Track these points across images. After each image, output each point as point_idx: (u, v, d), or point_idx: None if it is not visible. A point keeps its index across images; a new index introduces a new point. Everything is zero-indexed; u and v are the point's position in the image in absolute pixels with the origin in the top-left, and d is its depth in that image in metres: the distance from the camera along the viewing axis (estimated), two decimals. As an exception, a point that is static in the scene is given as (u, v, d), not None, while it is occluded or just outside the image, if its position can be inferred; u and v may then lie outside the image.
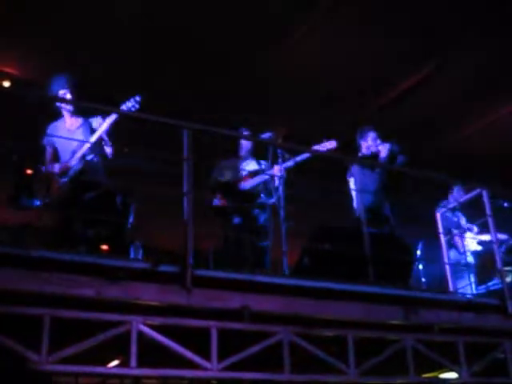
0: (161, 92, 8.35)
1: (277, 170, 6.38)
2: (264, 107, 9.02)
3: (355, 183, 6.95)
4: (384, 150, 7.14)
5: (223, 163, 6.96)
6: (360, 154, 7.32)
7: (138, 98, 5.79)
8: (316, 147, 6.46)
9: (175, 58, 8.38)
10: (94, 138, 5.91)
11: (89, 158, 5.97)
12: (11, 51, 7.97)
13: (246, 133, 6.81)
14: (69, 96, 6.12)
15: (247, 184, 6.68)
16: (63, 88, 6.10)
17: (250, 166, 6.90)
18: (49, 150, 6.20)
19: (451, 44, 8.49)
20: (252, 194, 6.66)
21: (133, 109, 5.75)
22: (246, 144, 6.93)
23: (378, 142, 7.26)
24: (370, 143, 7.29)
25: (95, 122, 6.16)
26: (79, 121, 6.23)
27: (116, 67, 8.32)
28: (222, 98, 8.85)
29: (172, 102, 7.80)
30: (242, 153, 6.98)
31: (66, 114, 6.25)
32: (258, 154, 6.95)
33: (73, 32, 7.76)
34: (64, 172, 5.95)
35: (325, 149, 6.45)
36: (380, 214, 6.92)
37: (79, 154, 5.95)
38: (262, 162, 6.84)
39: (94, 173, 6.02)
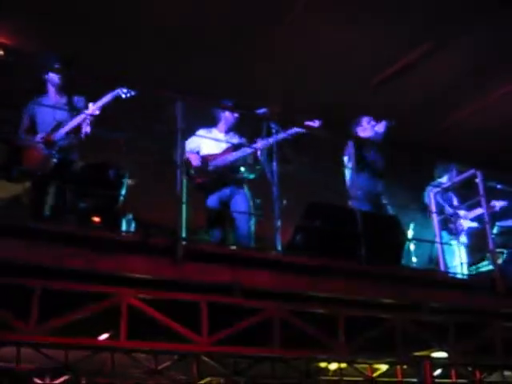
0: (156, 74, 8.31)
1: (260, 144, 6.34)
2: (260, 88, 8.94)
3: (349, 162, 6.96)
4: (381, 127, 7.19)
5: (202, 132, 6.79)
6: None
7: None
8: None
9: (171, 39, 8.31)
10: (82, 116, 5.88)
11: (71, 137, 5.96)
12: (4, 21, 7.88)
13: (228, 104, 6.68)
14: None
15: (227, 158, 6.61)
16: (55, 64, 6.06)
17: (232, 140, 6.80)
18: (26, 122, 6.15)
19: (449, 25, 8.44)
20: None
21: (128, 94, 5.71)
22: (229, 119, 6.86)
23: (373, 123, 7.29)
24: (366, 126, 7.32)
25: (79, 101, 6.15)
26: (64, 99, 6.22)
27: (108, 42, 8.23)
28: (217, 81, 8.77)
29: (166, 85, 7.74)
30: (224, 127, 6.90)
31: (52, 90, 6.24)
32: (248, 129, 6.88)
33: (67, 3, 7.66)
34: (48, 143, 5.89)
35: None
36: (372, 193, 6.95)
37: (65, 130, 5.92)
38: (243, 138, 6.79)
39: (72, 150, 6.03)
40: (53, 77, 6.18)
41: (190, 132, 6.55)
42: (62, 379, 6.85)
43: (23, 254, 4.06)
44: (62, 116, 6.03)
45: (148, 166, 5.63)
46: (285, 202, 5.67)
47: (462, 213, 8.02)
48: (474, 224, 7.97)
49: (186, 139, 6.30)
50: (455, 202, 8.13)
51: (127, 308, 4.33)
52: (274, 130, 6.16)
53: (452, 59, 9.15)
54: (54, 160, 5.78)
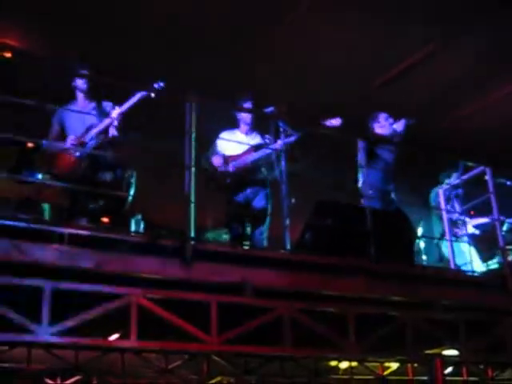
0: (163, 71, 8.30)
1: (279, 144, 6.34)
2: (264, 84, 8.91)
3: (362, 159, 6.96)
4: (400, 125, 7.17)
5: (225, 135, 6.85)
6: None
7: (161, 84, 5.77)
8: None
9: (171, 39, 8.31)
10: (113, 115, 5.92)
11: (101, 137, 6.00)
12: (13, 23, 7.90)
13: (248, 105, 6.73)
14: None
15: (249, 158, 6.64)
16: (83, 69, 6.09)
17: (255, 139, 6.85)
18: (56, 128, 6.23)
19: (452, 25, 8.40)
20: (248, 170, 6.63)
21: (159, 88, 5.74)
22: (246, 118, 6.86)
23: (391, 120, 7.24)
24: (383, 123, 7.25)
25: (107, 106, 6.20)
26: (92, 104, 6.28)
27: (117, 42, 8.23)
28: (221, 78, 8.75)
29: (173, 81, 7.74)
30: (245, 127, 6.91)
31: (80, 96, 6.31)
32: (261, 128, 6.90)
33: (74, 5, 7.67)
34: (79, 145, 5.92)
35: (330, 126, 6.39)
36: (383, 190, 6.94)
37: (95, 131, 5.95)
38: (266, 136, 6.80)
39: (105, 151, 6.08)
40: (81, 83, 6.24)
41: (214, 135, 6.62)
42: (73, 379, 6.87)
43: (32, 255, 4.08)
44: (90, 121, 6.10)
45: (158, 167, 5.63)
46: (293, 200, 5.67)
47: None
48: (477, 231, 7.92)
49: (211, 142, 6.37)
50: (458, 208, 8.04)
51: (137, 308, 4.34)
52: (281, 129, 6.15)
53: (454, 59, 9.11)
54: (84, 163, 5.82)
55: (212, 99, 5.32)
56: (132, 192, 5.60)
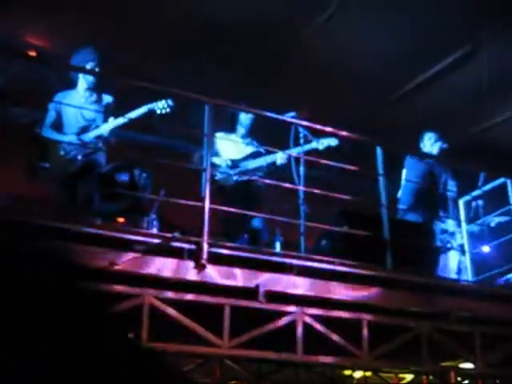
0: (184, 69, 8.28)
1: (280, 156, 6.21)
2: (287, 87, 8.84)
3: (407, 175, 7.17)
4: (435, 148, 7.36)
5: (220, 135, 6.49)
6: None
7: (170, 103, 5.66)
8: (315, 141, 6.26)
9: (199, 34, 8.26)
10: (114, 123, 5.78)
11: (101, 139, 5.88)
12: (38, 23, 7.94)
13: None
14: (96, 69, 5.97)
15: (247, 164, 6.47)
16: (90, 61, 5.95)
17: (249, 145, 6.60)
18: (52, 115, 5.91)
19: (480, 32, 8.28)
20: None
21: (163, 111, 5.62)
22: (244, 121, 6.62)
23: (432, 140, 7.39)
24: (426, 142, 7.44)
25: (108, 99, 6.05)
26: (94, 97, 6.05)
27: (141, 41, 8.21)
28: (244, 75, 8.69)
29: (196, 79, 7.70)
30: (242, 131, 6.65)
31: (83, 86, 6.02)
32: (274, 134, 6.77)
33: (100, 4, 7.67)
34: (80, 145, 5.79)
35: (325, 145, 6.25)
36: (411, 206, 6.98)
37: (96, 133, 5.81)
38: (261, 146, 6.62)
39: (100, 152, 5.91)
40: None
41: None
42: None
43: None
44: (90, 115, 5.92)
45: (175, 167, 5.59)
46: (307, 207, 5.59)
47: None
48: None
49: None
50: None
51: (149, 309, 4.34)
52: (302, 135, 6.07)
53: (476, 69, 8.99)
54: (80, 161, 5.73)
55: (230, 102, 5.29)
56: (148, 193, 5.57)
